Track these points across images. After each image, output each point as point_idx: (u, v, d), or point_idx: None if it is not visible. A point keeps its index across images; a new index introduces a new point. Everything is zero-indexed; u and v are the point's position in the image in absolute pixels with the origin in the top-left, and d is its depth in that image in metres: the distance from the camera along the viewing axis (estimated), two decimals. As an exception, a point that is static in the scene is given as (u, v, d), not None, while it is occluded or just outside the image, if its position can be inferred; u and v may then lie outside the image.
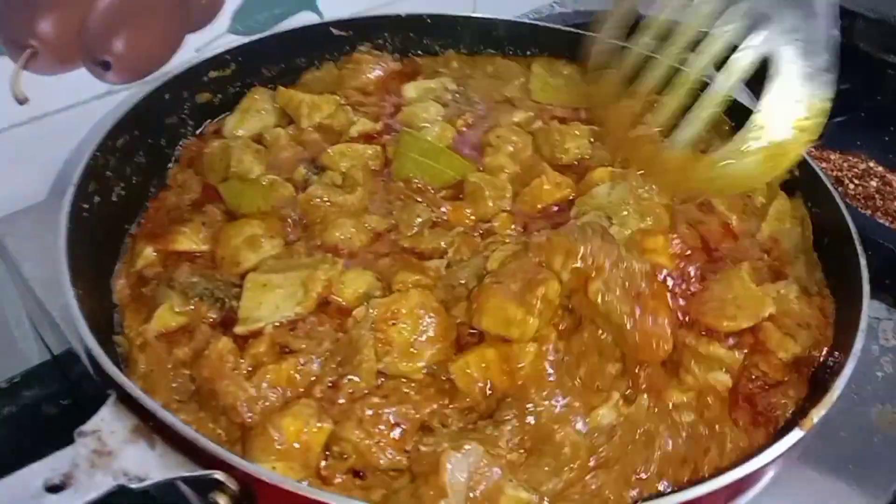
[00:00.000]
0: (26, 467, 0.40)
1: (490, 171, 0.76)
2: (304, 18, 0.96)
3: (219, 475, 0.42)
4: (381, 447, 0.52)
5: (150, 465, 0.42)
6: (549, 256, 0.60)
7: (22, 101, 0.78)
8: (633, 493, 0.51)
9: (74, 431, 0.42)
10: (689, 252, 0.67)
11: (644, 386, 0.57)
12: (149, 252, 0.67)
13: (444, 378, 0.57)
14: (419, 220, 0.71)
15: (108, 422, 0.43)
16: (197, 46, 0.88)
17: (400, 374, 0.57)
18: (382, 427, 0.53)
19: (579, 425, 0.54)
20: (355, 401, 0.54)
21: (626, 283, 0.58)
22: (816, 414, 0.48)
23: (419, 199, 0.73)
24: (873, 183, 0.92)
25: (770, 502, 0.61)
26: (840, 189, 0.90)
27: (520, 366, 0.57)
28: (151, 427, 0.44)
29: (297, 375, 0.55)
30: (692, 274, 0.66)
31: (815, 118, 0.60)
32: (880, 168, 0.95)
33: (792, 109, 0.59)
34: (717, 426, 0.57)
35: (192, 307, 0.61)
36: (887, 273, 0.79)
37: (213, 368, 0.54)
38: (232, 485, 0.42)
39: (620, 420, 0.55)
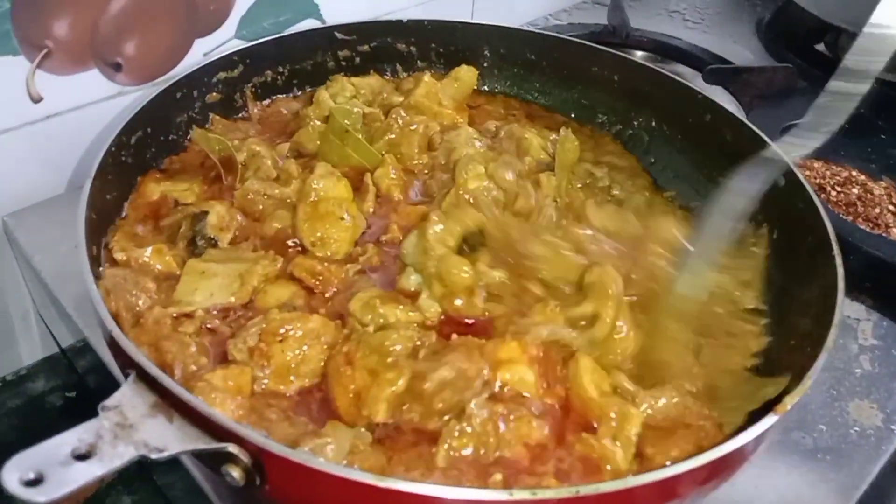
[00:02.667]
0: (55, 437, 0.42)
1: None
2: (309, 26, 0.99)
3: (232, 448, 0.45)
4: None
5: (168, 437, 0.45)
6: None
7: (36, 100, 0.81)
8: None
9: (98, 406, 0.45)
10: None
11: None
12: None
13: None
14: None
15: (128, 397, 0.46)
16: (205, 51, 0.91)
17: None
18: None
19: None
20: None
21: None
22: (790, 400, 0.51)
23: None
24: (855, 190, 0.95)
25: (748, 490, 0.65)
26: (822, 196, 0.93)
27: None
28: (169, 403, 0.46)
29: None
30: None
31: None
32: (862, 177, 0.98)
33: None
34: None
35: None
36: (867, 276, 0.83)
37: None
38: (244, 457, 0.45)
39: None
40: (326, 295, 0.67)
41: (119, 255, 0.65)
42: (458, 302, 0.65)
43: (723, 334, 0.66)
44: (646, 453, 0.55)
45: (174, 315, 0.62)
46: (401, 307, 0.64)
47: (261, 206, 0.74)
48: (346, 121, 0.79)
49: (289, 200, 0.74)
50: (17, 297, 0.91)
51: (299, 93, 0.92)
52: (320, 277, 0.67)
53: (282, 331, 0.59)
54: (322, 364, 0.60)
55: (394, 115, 0.83)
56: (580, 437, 0.55)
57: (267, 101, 0.90)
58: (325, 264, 0.68)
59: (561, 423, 0.57)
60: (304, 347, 0.60)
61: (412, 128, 0.82)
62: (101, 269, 0.64)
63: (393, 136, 0.82)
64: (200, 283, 0.64)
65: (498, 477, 0.51)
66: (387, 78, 0.95)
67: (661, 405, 0.57)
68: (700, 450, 0.50)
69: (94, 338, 0.73)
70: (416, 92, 0.87)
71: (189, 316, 0.62)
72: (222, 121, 0.84)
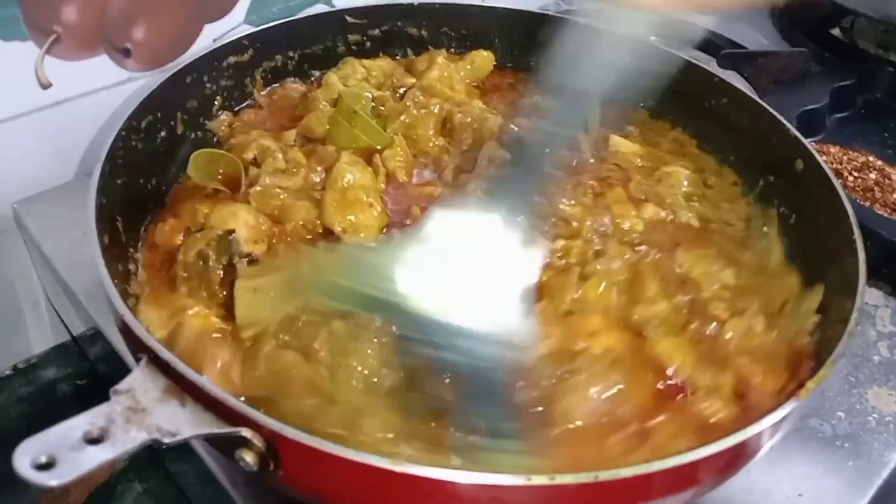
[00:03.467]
0: (66, 420, 0.42)
1: None
2: (319, 10, 0.98)
3: (246, 432, 0.44)
4: None
5: (181, 421, 0.44)
6: None
7: (45, 86, 0.81)
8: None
9: (110, 390, 0.44)
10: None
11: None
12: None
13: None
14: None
15: (140, 381, 0.45)
16: (214, 37, 0.91)
17: None
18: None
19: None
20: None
21: None
22: (812, 385, 0.50)
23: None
24: (872, 175, 0.94)
25: (764, 478, 0.64)
26: (839, 181, 0.92)
27: None
28: (182, 387, 0.46)
29: None
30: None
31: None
32: (879, 162, 0.97)
33: None
34: None
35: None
36: (885, 262, 0.82)
37: None
38: (258, 442, 0.45)
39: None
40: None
41: (160, 333, 0.60)
42: None
43: None
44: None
45: (250, 343, 0.59)
46: None
47: (279, 203, 0.71)
48: (355, 104, 0.78)
49: (300, 190, 0.73)
50: (28, 284, 0.90)
51: (311, 79, 0.91)
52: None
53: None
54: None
55: (409, 97, 0.82)
56: None
57: (273, 87, 0.89)
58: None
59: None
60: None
61: (428, 109, 0.81)
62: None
63: (407, 118, 0.81)
64: (258, 300, 0.61)
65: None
66: (398, 59, 0.94)
67: None
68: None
69: (106, 325, 0.72)
70: (429, 74, 0.86)
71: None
72: (228, 120, 0.83)
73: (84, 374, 0.94)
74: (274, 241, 0.67)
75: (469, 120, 0.81)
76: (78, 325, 0.89)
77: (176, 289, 0.63)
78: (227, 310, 0.62)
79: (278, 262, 0.65)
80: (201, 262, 0.63)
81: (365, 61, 0.90)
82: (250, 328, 0.60)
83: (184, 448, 0.62)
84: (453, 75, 0.88)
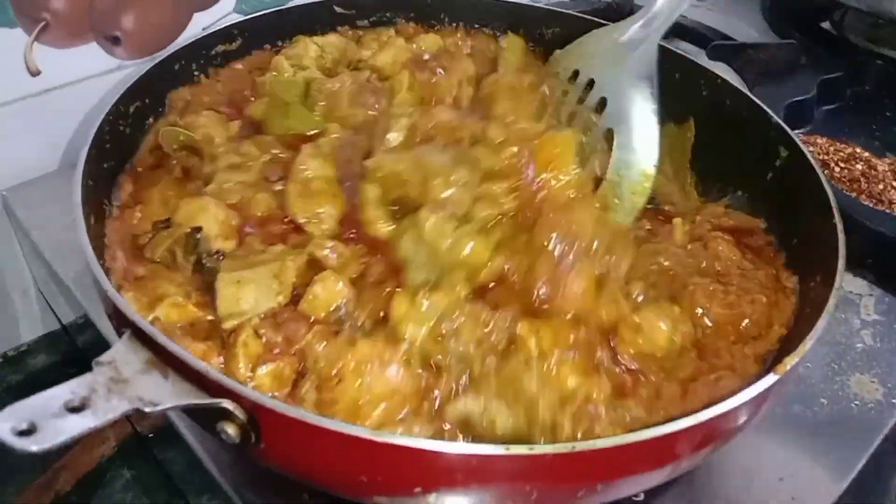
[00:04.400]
0: (47, 390, 0.42)
1: None
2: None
3: (227, 404, 0.45)
4: None
5: (163, 392, 0.45)
6: None
7: (35, 74, 0.81)
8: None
9: (92, 361, 0.45)
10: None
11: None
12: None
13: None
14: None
15: (122, 353, 0.46)
16: (204, 25, 0.91)
17: None
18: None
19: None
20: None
21: None
22: (790, 360, 0.51)
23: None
24: (858, 166, 0.94)
25: (747, 463, 0.64)
26: (826, 172, 0.93)
27: None
28: (164, 360, 0.46)
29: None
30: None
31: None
32: (866, 153, 0.97)
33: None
34: None
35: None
36: (869, 252, 0.82)
37: None
38: (239, 413, 0.45)
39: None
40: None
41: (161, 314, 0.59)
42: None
43: None
44: None
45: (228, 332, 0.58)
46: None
47: (238, 197, 0.69)
48: (286, 93, 0.78)
49: (255, 183, 0.71)
50: (17, 272, 0.91)
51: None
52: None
53: (334, 372, 0.55)
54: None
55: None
56: None
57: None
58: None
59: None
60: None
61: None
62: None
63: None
64: (240, 292, 0.60)
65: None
66: (348, 35, 0.93)
67: None
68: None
69: (95, 312, 0.73)
70: (380, 57, 0.86)
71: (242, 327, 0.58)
72: (182, 96, 0.81)
73: (74, 363, 0.94)
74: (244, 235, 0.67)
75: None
76: (68, 314, 0.89)
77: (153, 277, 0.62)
78: (206, 294, 0.61)
79: (263, 255, 0.64)
80: (170, 259, 0.64)
81: (317, 38, 0.89)
82: (231, 319, 0.59)
83: (171, 435, 0.63)
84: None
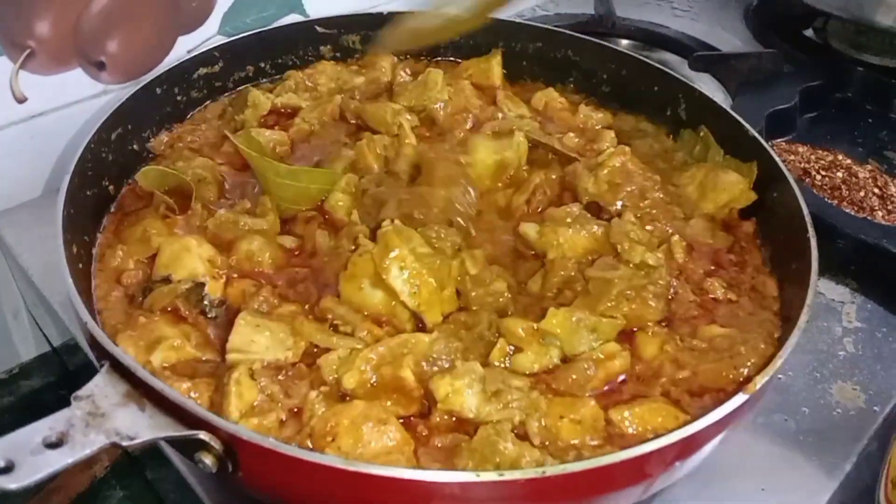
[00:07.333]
0: (26, 426, 0.43)
1: None
2: (293, 21, 1.00)
3: (203, 435, 0.46)
4: None
5: (140, 425, 0.45)
6: None
7: (21, 100, 0.82)
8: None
9: (71, 396, 0.46)
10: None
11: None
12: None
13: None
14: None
15: (101, 387, 0.46)
16: (188, 48, 0.92)
17: None
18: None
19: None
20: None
21: None
22: (760, 379, 0.51)
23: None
24: (839, 174, 0.95)
25: (731, 473, 0.65)
26: (807, 180, 0.93)
27: None
28: (141, 392, 0.47)
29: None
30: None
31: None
32: (847, 160, 0.98)
33: None
34: None
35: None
36: (851, 259, 0.83)
37: None
38: (216, 444, 0.46)
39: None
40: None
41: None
42: None
43: None
44: None
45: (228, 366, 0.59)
46: None
47: (231, 235, 0.70)
48: (254, 149, 0.74)
49: (262, 231, 0.71)
50: (9, 295, 0.91)
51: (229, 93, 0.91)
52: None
53: (328, 428, 0.54)
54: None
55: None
56: None
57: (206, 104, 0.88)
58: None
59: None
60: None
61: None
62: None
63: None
64: (256, 335, 0.60)
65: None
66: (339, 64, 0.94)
67: None
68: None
69: (81, 336, 0.73)
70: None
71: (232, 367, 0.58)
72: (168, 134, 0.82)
73: (67, 384, 0.95)
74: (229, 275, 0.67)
75: None
76: (57, 336, 0.90)
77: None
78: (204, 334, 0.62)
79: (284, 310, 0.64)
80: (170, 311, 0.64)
81: (307, 70, 0.91)
82: (236, 354, 0.59)
83: (162, 456, 0.64)
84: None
